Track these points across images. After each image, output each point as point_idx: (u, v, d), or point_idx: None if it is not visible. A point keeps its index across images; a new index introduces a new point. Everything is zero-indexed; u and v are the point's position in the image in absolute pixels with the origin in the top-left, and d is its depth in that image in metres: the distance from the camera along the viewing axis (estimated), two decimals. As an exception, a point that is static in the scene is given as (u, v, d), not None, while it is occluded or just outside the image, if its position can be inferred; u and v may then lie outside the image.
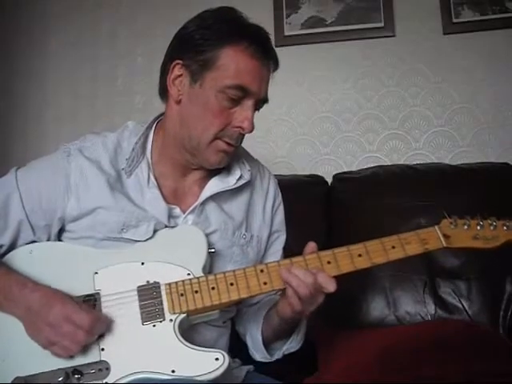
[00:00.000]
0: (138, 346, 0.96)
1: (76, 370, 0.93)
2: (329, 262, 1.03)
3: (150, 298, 1.01)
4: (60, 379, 0.92)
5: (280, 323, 1.12)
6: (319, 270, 1.01)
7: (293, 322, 1.12)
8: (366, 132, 2.12)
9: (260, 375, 1.21)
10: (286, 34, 2.17)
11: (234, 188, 1.19)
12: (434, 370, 1.12)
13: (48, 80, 2.39)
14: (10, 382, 0.93)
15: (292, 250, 1.14)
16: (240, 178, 1.20)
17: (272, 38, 2.11)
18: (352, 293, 1.61)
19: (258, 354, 1.19)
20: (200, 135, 1.09)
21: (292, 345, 1.17)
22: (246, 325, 1.23)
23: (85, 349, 0.95)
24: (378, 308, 1.62)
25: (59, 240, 1.14)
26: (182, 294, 1.01)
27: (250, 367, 1.22)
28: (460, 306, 1.57)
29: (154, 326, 0.98)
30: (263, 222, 1.26)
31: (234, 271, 1.04)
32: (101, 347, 0.96)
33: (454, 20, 2.06)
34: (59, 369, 0.94)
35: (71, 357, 0.95)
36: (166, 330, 0.98)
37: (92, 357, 0.95)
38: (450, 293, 1.59)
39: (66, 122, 2.34)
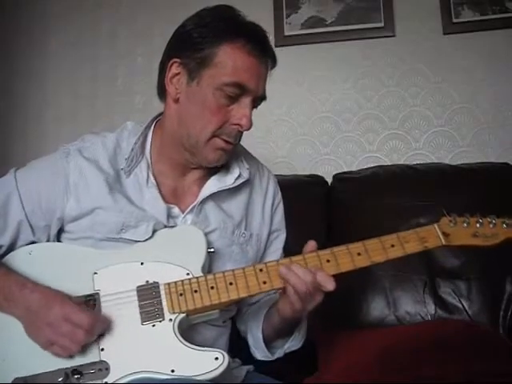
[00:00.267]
0: (138, 345, 0.97)
1: (76, 370, 0.93)
2: (328, 261, 1.03)
3: (149, 298, 1.01)
4: (60, 379, 0.92)
5: (280, 322, 1.12)
6: (318, 269, 1.01)
7: (293, 320, 1.11)
8: (366, 132, 2.12)
9: (260, 375, 1.21)
10: (286, 34, 2.18)
11: (233, 187, 1.19)
12: (434, 370, 1.12)
13: (48, 80, 2.39)
14: (9, 382, 0.93)
15: (292, 249, 1.14)
16: (239, 176, 1.20)
17: (272, 37, 2.16)
18: (352, 293, 1.61)
19: (259, 352, 1.19)
20: (198, 133, 1.09)
21: (293, 343, 1.17)
22: (247, 323, 1.23)
23: (84, 349, 0.95)
24: (377, 308, 1.62)
25: (59, 241, 1.14)
26: (181, 294, 1.01)
27: (250, 367, 1.22)
28: (460, 306, 1.57)
29: (153, 325, 0.98)
30: (263, 220, 1.26)
31: (233, 271, 1.04)
32: (100, 347, 0.96)
33: (454, 20, 2.06)
34: (59, 369, 0.94)
35: (71, 357, 0.95)
36: (166, 329, 0.98)
37: (92, 357, 0.95)
38: (449, 293, 1.59)
39: (66, 122, 2.34)
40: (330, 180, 1.93)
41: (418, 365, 1.15)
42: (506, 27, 2.02)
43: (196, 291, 1.01)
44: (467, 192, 1.67)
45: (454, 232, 1.05)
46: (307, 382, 1.21)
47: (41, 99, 2.39)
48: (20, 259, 1.08)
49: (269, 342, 1.18)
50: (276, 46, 2.15)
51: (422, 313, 1.58)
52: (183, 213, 1.15)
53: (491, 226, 1.04)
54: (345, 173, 1.95)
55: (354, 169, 2.04)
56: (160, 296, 1.01)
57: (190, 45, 1.09)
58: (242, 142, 1.23)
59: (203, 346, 0.98)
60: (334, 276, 1.01)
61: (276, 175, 1.37)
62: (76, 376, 0.93)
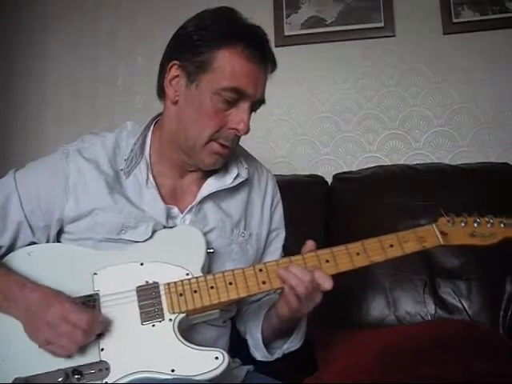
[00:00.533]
0: (138, 345, 0.97)
1: (76, 371, 0.93)
2: (327, 261, 1.04)
3: (149, 298, 1.01)
4: (60, 379, 0.92)
5: (279, 322, 1.12)
6: (316, 268, 1.02)
7: (292, 321, 1.12)
8: (366, 132, 2.12)
9: (260, 375, 1.21)
10: (286, 34, 2.18)
11: (232, 187, 1.19)
12: (434, 370, 1.12)
13: (48, 80, 2.39)
14: (9, 382, 0.93)
15: (292, 249, 1.14)
16: (237, 176, 1.20)
17: (272, 38, 2.16)
18: (352, 293, 1.61)
19: (259, 353, 1.19)
20: (196, 136, 1.10)
21: (292, 344, 1.17)
22: (246, 324, 1.23)
23: (84, 349, 0.95)
24: (378, 308, 1.62)
25: (58, 241, 1.14)
26: (181, 294, 1.01)
27: (250, 367, 1.22)
28: (460, 306, 1.57)
29: (153, 325, 0.98)
30: (262, 220, 1.26)
31: (232, 271, 1.04)
32: (100, 347, 0.96)
33: (454, 20, 2.06)
34: (59, 369, 0.94)
35: (71, 357, 0.95)
36: (166, 329, 0.98)
37: (92, 357, 0.95)
38: (449, 293, 1.59)
39: (66, 122, 2.34)
40: (330, 180, 1.93)
41: (417, 365, 1.15)
42: (506, 27, 2.02)
43: (196, 291, 1.01)
44: (467, 192, 1.67)
45: (452, 232, 1.06)
46: (307, 382, 1.21)
47: (41, 99, 2.39)
48: (19, 260, 1.08)
49: (268, 343, 1.18)
50: (276, 46, 2.15)
51: (421, 313, 1.58)
52: (182, 213, 1.15)
53: (489, 225, 1.05)
54: (345, 173, 1.95)
55: (354, 169, 2.04)
56: (160, 296, 1.01)
57: (189, 47, 1.08)
58: (241, 142, 1.23)
59: (203, 346, 0.98)
60: (333, 276, 1.02)
61: (276, 175, 1.37)
62: (76, 376, 0.93)
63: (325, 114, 2.16)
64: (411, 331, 1.42)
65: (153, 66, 1.20)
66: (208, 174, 1.19)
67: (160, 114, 1.21)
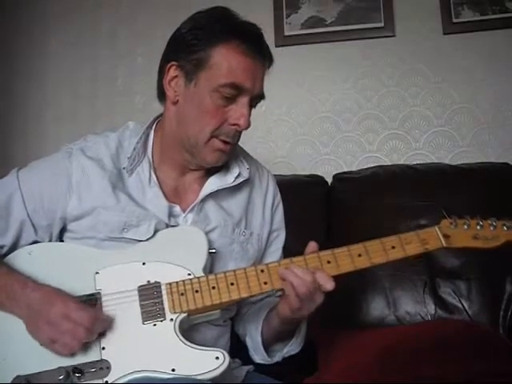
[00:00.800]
0: (139, 344, 0.97)
1: (76, 369, 0.93)
2: (329, 262, 1.04)
3: (150, 298, 1.01)
4: (61, 377, 0.92)
5: (280, 325, 1.12)
6: (318, 269, 1.02)
7: (292, 323, 1.12)
8: (366, 132, 2.12)
9: (260, 375, 1.21)
10: (286, 34, 2.18)
11: (233, 186, 1.20)
12: (434, 370, 1.12)
13: (48, 80, 2.39)
14: (10, 380, 0.93)
15: (292, 249, 1.14)
16: (238, 175, 1.21)
17: (272, 37, 2.17)
18: (352, 293, 1.61)
19: (258, 355, 1.19)
20: (197, 134, 1.10)
21: (292, 347, 1.17)
22: (246, 326, 1.23)
23: (86, 348, 0.96)
24: (377, 308, 1.62)
25: (61, 240, 1.15)
26: (182, 294, 1.01)
27: (251, 367, 1.22)
28: (460, 306, 1.57)
29: (154, 325, 0.99)
30: (263, 220, 1.26)
31: (234, 271, 1.04)
32: (101, 346, 0.97)
33: (454, 20, 2.06)
34: (60, 367, 0.94)
35: (72, 356, 0.95)
36: (167, 329, 0.98)
37: (93, 356, 0.96)
38: (449, 293, 1.59)
39: (66, 122, 2.34)
40: (330, 180, 1.93)
41: (418, 365, 1.15)
42: (506, 27, 2.02)
43: (197, 291, 1.01)
44: (467, 192, 1.67)
45: (454, 234, 1.05)
46: (307, 382, 1.21)
47: (41, 99, 2.39)
48: (20, 259, 1.08)
49: (268, 346, 1.18)
50: (276, 46, 2.16)
51: (421, 313, 1.58)
52: (184, 212, 1.15)
53: (492, 228, 1.04)
54: (345, 173, 1.95)
55: (354, 169, 2.04)
56: (161, 296, 1.01)
57: (185, 47, 1.09)
58: (242, 143, 1.24)
59: (204, 346, 0.98)
60: (335, 277, 1.02)
61: (276, 175, 1.37)
62: (77, 374, 0.93)
63: (325, 114, 2.16)
64: (411, 331, 1.42)
65: (153, 66, 1.20)
66: (210, 172, 1.20)
67: (161, 115, 1.21)
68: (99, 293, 1.02)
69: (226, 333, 1.22)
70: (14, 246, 1.12)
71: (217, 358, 0.94)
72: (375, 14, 2.12)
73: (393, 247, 1.04)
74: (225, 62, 1.06)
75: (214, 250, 1.11)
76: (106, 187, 1.11)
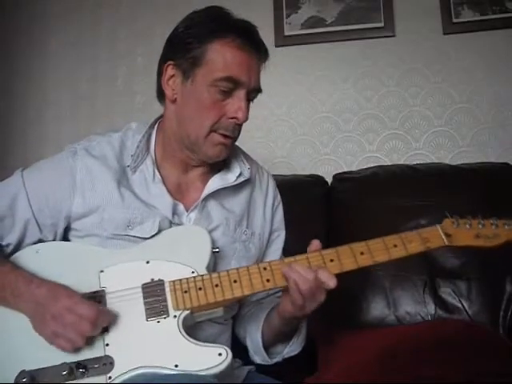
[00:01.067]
0: (142, 341, 0.98)
1: (80, 364, 0.94)
2: (331, 260, 1.04)
3: (154, 295, 1.02)
4: (64, 373, 0.93)
5: (281, 324, 1.12)
6: (320, 267, 1.02)
7: (294, 322, 1.12)
8: (366, 132, 2.12)
9: (261, 375, 1.21)
10: (286, 34, 2.18)
11: (234, 185, 1.21)
12: (434, 370, 1.12)
13: (48, 80, 2.39)
14: (15, 376, 0.94)
15: (292, 249, 1.14)
16: (240, 175, 1.22)
17: (272, 37, 2.17)
18: (352, 293, 1.61)
19: (258, 356, 1.20)
20: (197, 130, 1.12)
21: (292, 348, 1.17)
22: (247, 326, 1.23)
23: (89, 344, 0.96)
24: (378, 308, 1.62)
25: (66, 239, 1.16)
26: (185, 291, 1.02)
27: (252, 367, 1.22)
28: (460, 306, 1.57)
29: (158, 322, 1.00)
30: (264, 219, 1.28)
31: (237, 269, 1.05)
32: (105, 343, 0.97)
33: (454, 20, 2.06)
34: (64, 363, 0.94)
35: (76, 352, 0.96)
36: (170, 326, 0.99)
37: (96, 352, 0.96)
38: (450, 293, 1.59)
39: (66, 122, 2.34)
40: (330, 180, 1.93)
41: (417, 365, 1.15)
42: (506, 27, 2.02)
43: (200, 288, 1.02)
44: (467, 192, 1.67)
45: (456, 233, 1.06)
46: (307, 381, 1.21)
47: (41, 99, 2.39)
48: (27, 257, 1.09)
49: (268, 347, 1.18)
50: (276, 46, 2.16)
51: (421, 313, 1.58)
52: (187, 211, 1.17)
53: (493, 227, 1.05)
54: (345, 173, 1.95)
55: (354, 169, 2.04)
56: (165, 293, 1.02)
57: (181, 46, 1.12)
58: (242, 142, 1.24)
59: (206, 343, 0.99)
60: (337, 275, 1.02)
61: (276, 175, 1.38)
62: (80, 370, 0.94)
63: (325, 114, 2.16)
64: (411, 331, 1.42)
65: (153, 66, 1.21)
66: (212, 170, 1.21)
67: (162, 116, 1.23)
68: (104, 290, 1.03)
69: (227, 331, 1.22)
70: (19, 245, 1.13)
71: (220, 354, 0.95)
72: (375, 14, 2.12)
73: (395, 246, 1.05)
74: (220, 56, 1.09)
75: (217, 250, 1.11)
76: (111, 185, 1.12)
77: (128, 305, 1.01)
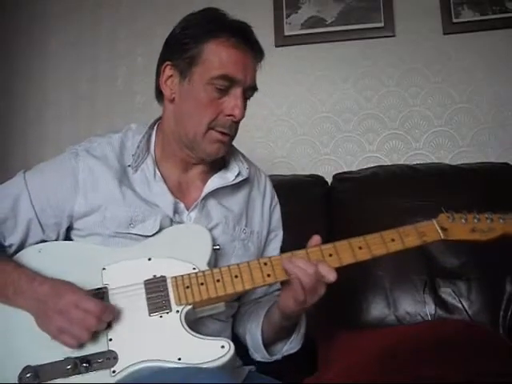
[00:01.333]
0: (145, 335, 0.98)
1: (84, 359, 0.95)
2: (330, 255, 1.06)
3: (156, 291, 1.03)
4: (68, 367, 0.94)
5: (281, 319, 1.13)
6: (320, 261, 1.03)
7: (294, 317, 1.12)
8: (366, 132, 2.12)
9: (261, 375, 1.21)
10: (286, 34, 2.18)
11: (233, 185, 1.23)
12: (434, 370, 1.12)
13: (48, 80, 2.39)
14: (19, 372, 0.94)
15: (292, 250, 1.13)
16: (238, 174, 1.24)
17: (272, 37, 2.17)
18: (352, 293, 1.61)
19: (258, 354, 1.20)
20: (195, 128, 1.14)
21: (292, 345, 1.18)
22: (246, 324, 1.24)
23: (93, 339, 0.97)
24: (378, 308, 1.62)
25: (68, 238, 1.17)
26: (187, 287, 1.03)
27: (252, 367, 1.23)
28: (460, 306, 1.57)
29: (160, 316, 1.00)
30: (262, 219, 1.30)
31: (238, 264, 1.06)
32: (108, 337, 0.98)
33: (454, 20, 2.06)
34: (67, 358, 0.95)
35: (80, 347, 0.96)
36: (173, 320, 1.00)
37: (100, 347, 0.97)
38: (450, 293, 1.59)
39: (66, 122, 2.34)
40: (330, 180, 1.93)
41: (417, 365, 1.15)
42: (506, 27, 2.03)
43: (202, 284, 1.03)
44: (467, 192, 1.67)
45: (452, 227, 1.07)
46: (307, 381, 1.21)
47: (41, 99, 2.39)
48: (30, 257, 1.10)
49: (268, 344, 1.19)
50: (276, 46, 2.16)
51: (421, 313, 1.58)
52: (187, 210, 1.18)
53: (488, 221, 1.06)
54: (345, 173, 1.95)
55: (354, 169, 2.04)
56: (167, 289, 1.03)
57: (178, 47, 1.14)
58: (242, 142, 1.25)
59: None
60: (336, 269, 1.03)
61: (276, 175, 1.39)
62: (84, 364, 0.94)
63: (325, 114, 2.16)
64: (411, 331, 1.42)
65: (153, 66, 1.22)
66: (211, 169, 1.23)
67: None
68: (106, 287, 1.04)
69: (228, 328, 1.24)
70: (22, 246, 1.14)
71: (222, 346, 0.95)
72: (375, 14, 2.12)
73: (392, 240, 1.06)
74: (216, 55, 1.11)
75: (218, 247, 1.13)
76: (113, 184, 1.14)
77: (130, 300, 1.02)
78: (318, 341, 1.37)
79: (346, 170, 2.04)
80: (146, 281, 1.04)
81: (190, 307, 1.02)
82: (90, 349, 0.96)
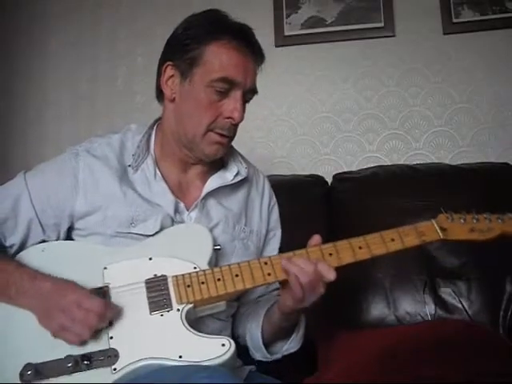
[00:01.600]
0: (146, 334, 0.99)
1: (85, 357, 0.95)
2: (330, 254, 1.06)
3: (157, 290, 1.03)
4: (69, 365, 0.94)
5: (281, 319, 1.13)
6: (319, 260, 1.04)
7: (293, 317, 1.13)
8: (366, 132, 2.12)
9: (261, 375, 1.22)
10: (286, 34, 2.18)
11: (233, 184, 1.24)
12: (434, 370, 1.12)
13: (48, 80, 2.39)
14: (20, 369, 0.94)
15: (291, 250, 1.13)
16: (237, 174, 1.25)
17: (272, 37, 2.17)
18: (352, 293, 1.61)
19: (258, 353, 1.20)
20: (194, 129, 1.14)
21: (292, 345, 1.18)
22: (246, 324, 1.24)
23: (94, 337, 0.97)
24: (378, 308, 1.62)
25: (69, 238, 1.17)
26: (188, 286, 1.03)
27: (252, 367, 1.23)
28: (460, 306, 1.57)
29: (161, 315, 1.01)
30: (261, 219, 1.30)
31: (238, 263, 1.07)
32: (109, 335, 0.98)
33: (454, 20, 2.06)
34: (68, 355, 0.95)
35: (81, 345, 0.97)
36: (174, 318, 1.00)
37: (101, 345, 0.97)
38: (450, 293, 1.59)
39: (66, 122, 2.34)
40: (330, 180, 1.93)
41: (418, 365, 1.15)
42: (506, 27, 2.02)
43: (203, 282, 1.04)
44: (467, 192, 1.67)
45: (451, 227, 1.08)
46: (307, 382, 1.21)
47: (41, 99, 2.39)
48: (32, 256, 1.10)
49: (268, 344, 1.19)
50: (276, 46, 2.16)
51: (421, 313, 1.58)
52: (188, 210, 1.19)
53: (487, 221, 1.07)
54: (345, 173, 1.95)
55: (354, 169, 2.04)
56: (168, 288, 1.03)
57: (180, 47, 1.15)
58: (242, 143, 1.25)
59: None
60: (336, 269, 1.03)
61: (276, 175, 1.39)
62: (85, 362, 0.94)
63: (325, 114, 2.16)
64: (411, 331, 1.42)
65: (153, 66, 1.22)
66: (210, 169, 1.24)
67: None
68: (107, 286, 1.04)
69: (228, 327, 1.24)
70: (22, 246, 1.15)
71: (223, 344, 0.96)
72: (375, 14, 2.12)
73: (392, 239, 1.07)
74: (217, 58, 1.11)
75: (218, 247, 1.14)
76: (114, 183, 1.15)
77: (131, 299, 1.02)
78: (317, 341, 1.37)
79: (345, 169, 2.04)
80: (147, 280, 1.05)
81: (190, 306, 1.02)
82: (91, 347, 0.97)
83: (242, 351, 1.20)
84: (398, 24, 2.11)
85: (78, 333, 0.96)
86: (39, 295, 1.00)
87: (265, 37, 1.18)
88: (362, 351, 1.28)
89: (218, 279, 1.04)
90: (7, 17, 2.41)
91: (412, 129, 2.09)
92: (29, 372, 0.94)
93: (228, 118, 1.13)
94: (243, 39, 1.13)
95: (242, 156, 1.32)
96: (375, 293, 1.63)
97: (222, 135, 1.15)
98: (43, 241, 1.15)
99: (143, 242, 1.12)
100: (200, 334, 0.98)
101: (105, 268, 1.07)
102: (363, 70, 2.14)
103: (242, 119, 1.15)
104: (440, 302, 1.59)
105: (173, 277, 1.04)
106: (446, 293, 1.59)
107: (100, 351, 0.96)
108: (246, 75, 1.13)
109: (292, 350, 1.18)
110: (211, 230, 1.16)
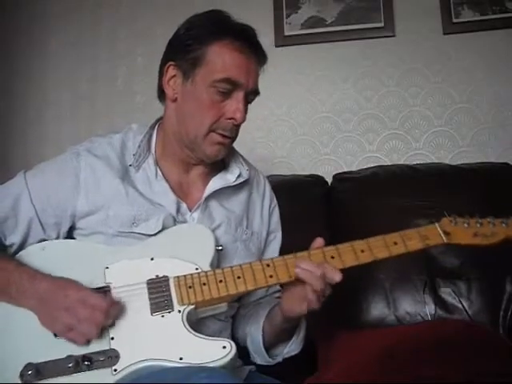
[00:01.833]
0: (147, 335, 0.99)
1: (86, 357, 0.95)
2: (332, 257, 1.06)
3: (158, 291, 1.03)
4: (70, 365, 0.94)
5: (282, 322, 1.13)
6: (323, 262, 1.03)
7: (295, 319, 1.12)
8: (366, 132, 2.12)
9: (261, 375, 1.22)
10: (286, 34, 2.17)
11: (234, 186, 1.24)
12: (434, 370, 1.12)
13: (48, 80, 2.39)
14: (20, 369, 0.94)
15: (292, 250, 1.13)
16: (239, 176, 1.25)
17: (272, 37, 2.18)
18: (352, 293, 1.61)
19: (259, 357, 1.20)
20: (196, 129, 1.14)
21: (292, 348, 1.18)
22: (246, 327, 1.24)
23: (95, 338, 0.97)
24: (378, 308, 1.62)
25: (70, 237, 1.17)
26: (190, 287, 1.03)
27: (252, 367, 1.23)
28: (460, 306, 1.57)
29: (162, 316, 1.01)
30: (261, 221, 1.30)
31: (240, 265, 1.07)
32: (110, 336, 0.98)
33: (454, 20, 2.06)
34: (69, 356, 0.95)
35: (82, 346, 0.96)
36: (175, 320, 1.00)
37: (102, 345, 0.97)
38: (450, 293, 1.59)
39: (66, 122, 2.34)
40: (330, 180, 1.93)
41: (417, 365, 1.15)
42: (506, 27, 2.02)
43: (205, 284, 1.04)
44: (467, 192, 1.67)
45: (454, 231, 1.07)
46: (307, 382, 1.21)
47: (41, 99, 2.39)
48: (33, 255, 1.10)
49: (269, 347, 1.19)
50: (276, 46, 2.16)
51: (421, 313, 1.58)
52: (190, 210, 1.18)
53: (491, 225, 1.06)
54: (345, 173, 1.95)
55: (354, 169, 2.04)
56: (169, 289, 1.03)
57: (182, 48, 1.14)
58: (242, 143, 1.25)
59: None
60: None
61: (276, 175, 1.39)
62: (86, 362, 0.94)
63: (325, 114, 2.16)
64: (411, 331, 1.42)
65: (153, 66, 1.22)
66: (212, 170, 1.24)
67: (162, 117, 1.25)
68: (109, 286, 1.04)
69: (228, 328, 1.24)
70: (23, 245, 1.15)
71: (224, 347, 0.96)
72: (375, 14, 2.11)
73: (395, 243, 1.06)
74: (219, 58, 1.11)
75: (220, 247, 1.14)
76: (115, 183, 1.14)
77: (133, 300, 1.02)
78: (317, 341, 1.37)
79: (345, 169, 2.04)
80: (148, 280, 1.04)
81: (192, 307, 1.02)
82: (92, 347, 0.97)
83: (241, 351, 1.21)
84: (398, 24, 2.11)
85: (85, 332, 0.95)
86: (38, 296, 0.99)
87: (265, 37, 1.18)
88: (361, 351, 1.28)
89: (220, 281, 1.04)
90: (7, 17, 2.41)
91: (412, 129, 2.09)
92: (29, 372, 0.93)
93: (230, 118, 1.13)
94: (246, 40, 1.13)
95: (242, 157, 1.31)
96: (375, 293, 1.63)
97: (223, 136, 1.15)
98: (43, 240, 1.15)
99: (145, 242, 1.12)
100: (201, 335, 0.98)
101: (106, 267, 1.06)
102: (363, 70, 2.14)
103: (244, 120, 1.15)
104: (440, 302, 1.59)
105: (174, 278, 1.04)
106: (446, 293, 1.59)
107: (101, 352, 0.96)
108: (249, 76, 1.13)
109: (293, 353, 1.18)
110: (213, 231, 1.15)
